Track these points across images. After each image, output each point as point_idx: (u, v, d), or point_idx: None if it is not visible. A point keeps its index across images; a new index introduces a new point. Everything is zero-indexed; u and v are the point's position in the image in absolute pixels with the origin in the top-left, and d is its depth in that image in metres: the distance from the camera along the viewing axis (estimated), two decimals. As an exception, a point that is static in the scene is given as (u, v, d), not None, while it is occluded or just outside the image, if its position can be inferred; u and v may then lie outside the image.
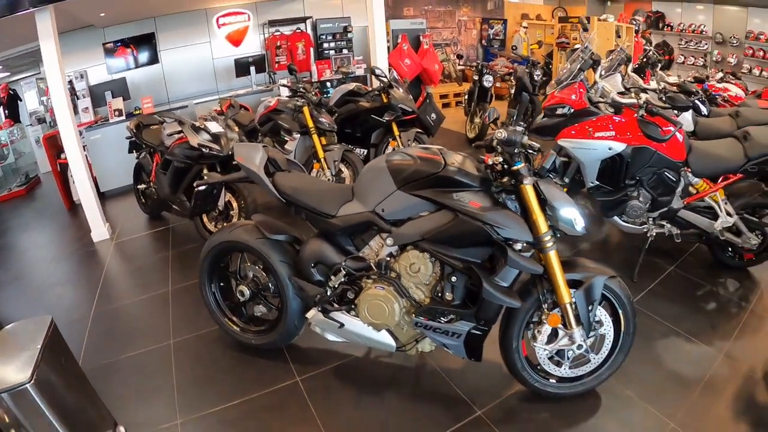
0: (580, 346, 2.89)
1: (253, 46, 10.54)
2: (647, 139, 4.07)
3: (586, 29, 5.43)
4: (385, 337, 3.14)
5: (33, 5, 5.42)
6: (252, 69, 9.87)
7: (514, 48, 12.28)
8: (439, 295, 2.96)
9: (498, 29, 14.27)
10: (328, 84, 10.01)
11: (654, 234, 4.39)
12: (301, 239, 3.46)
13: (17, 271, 5.85)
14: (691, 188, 4.32)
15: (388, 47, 9.33)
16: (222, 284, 3.81)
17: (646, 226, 4.41)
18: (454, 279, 2.88)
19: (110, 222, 6.59)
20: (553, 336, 2.92)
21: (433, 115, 7.20)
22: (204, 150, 4.99)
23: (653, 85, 5.65)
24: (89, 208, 6.25)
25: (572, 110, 4.39)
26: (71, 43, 8.43)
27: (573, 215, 2.70)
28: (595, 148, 4.15)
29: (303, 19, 10.75)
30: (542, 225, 2.66)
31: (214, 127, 5.14)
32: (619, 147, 4.09)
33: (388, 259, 3.04)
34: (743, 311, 3.99)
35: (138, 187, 6.66)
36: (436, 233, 2.77)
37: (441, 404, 3.17)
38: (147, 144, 5.99)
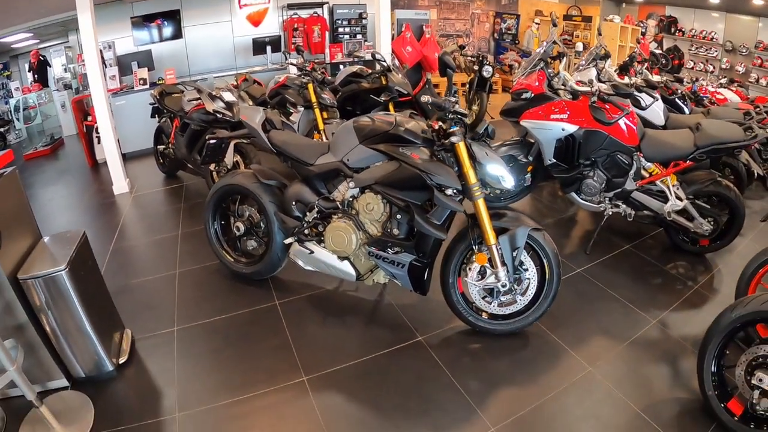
0: (504, 285, 3.48)
1: (271, 27, 11.21)
2: (596, 123, 4.62)
3: (555, 25, 6.02)
4: (346, 266, 3.87)
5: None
6: (268, 48, 10.64)
7: (516, 42, 12.77)
8: (388, 230, 3.67)
9: (510, 24, 14.67)
10: (340, 66, 10.49)
11: (610, 212, 4.90)
12: (287, 185, 4.20)
13: (44, 215, 6.64)
14: (643, 172, 4.82)
15: (393, 34, 9.96)
16: (222, 223, 4.60)
17: (602, 204, 4.90)
18: (399, 217, 3.60)
19: (130, 179, 7.41)
20: (483, 275, 3.52)
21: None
22: (218, 115, 5.78)
23: (627, 80, 6.10)
24: (113, 163, 7.11)
25: (532, 95, 4.98)
26: (101, 16, 9.08)
27: (500, 173, 3.34)
28: (550, 129, 4.76)
29: (320, 4, 11.41)
30: (471, 177, 3.27)
31: (228, 96, 5.92)
32: (571, 128, 4.69)
33: (351, 199, 3.81)
34: (687, 289, 4.38)
35: (158, 147, 7.52)
36: (386, 178, 3.49)
37: (389, 329, 3.87)
38: (168, 109, 6.84)
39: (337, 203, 3.88)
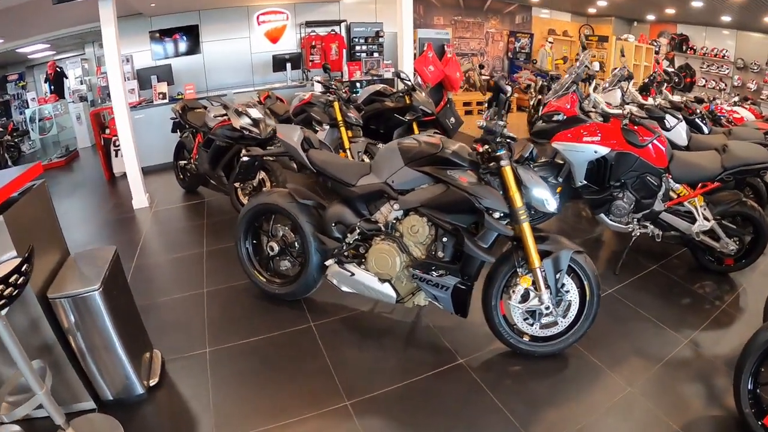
0: (547, 307, 3.43)
1: (289, 44, 11.26)
2: (629, 145, 4.61)
3: (584, 48, 6.04)
4: (387, 289, 3.80)
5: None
6: (288, 65, 10.58)
7: (534, 62, 12.79)
8: (433, 253, 3.63)
9: (524, 43, 14.85)
10: (357, 84, 10.65)
11: (638, 233, 4.85)
12: (324, 205, 4.14)
13: (63, 228, 6.47)
14: (672, 193, 4.78)
15: (414, 54, 9.97)
16: (254, 242, 4.51)
17: (630, 225, 4.86)
18: (445, 239, 3.56)
19: (149, 194, 7.32)
20: (526, 297, 3.48)
21: (452, 119, 7.84)
22: (245, 132, 5.72)
23: (650, 101, 6.17)
24: (133, 177, 7.02)
25: (564, 117, 4.95)
26: (121, 28, 9.14)
27: (544, 196, 3.34)
28: (582, 151, 4.72)
29: (338, 22, 11.44)
30: (517, 200, 3.27)
31: (255, 113, 5.86)
32: (603, 150, 4.65)
33: (394, 221, 3.76)
34: (715, 309, 4.36)
35: (178, 162, 7.44)
36: (433, 201, 3.46)
37: (429, 351, 3.78)
38: (191, 125, 6.75)
39: (380, 225, 3.82)
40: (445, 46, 11.91)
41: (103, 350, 3.10)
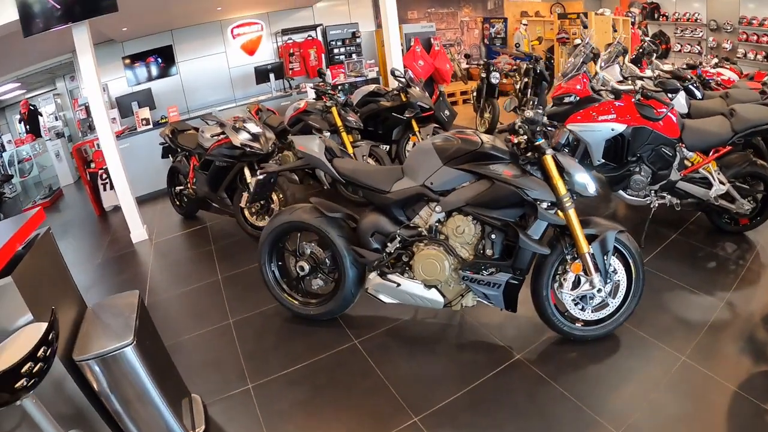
0: (599, 290, 3.40)
1: (266, 54, 10.99)
2: (644, 119, 4.57)
3: (586, 26, 5.95)
4: (434, 295, 3.62)
5: (70, 20, 5.70)
6: (271, 76, 10.22)
7: (517, 45, 12.62)
8: (481, 251, 3.49)
9: (499, 28, 14.64)
10: (338, 87, 10.26)
11: (656, 205, 4.86)
12: (354, 216, 3.87)
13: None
14: (686, 161, 4.80)
15: (402, 50, 9.71)
16: (280, 263, 4.18)
17: (648, 198, 4.87)
18: (493, 236, 3.43)
19: (147, 225, 6.90)
20: (576, 283, 3.43)
21: (447, 112, 7.58)
22: (246, 148, 5.36)
23: (648, 73, 6.06)
24: (128, 210, 6.60)
25: (577, 98, 4.89)
26: (95, 58, 8.86)
27: (586, 180, 3.24)
28: (599, 130, 4.64)
29: (314, 27, 11.18)
30: (561, 188, 3.19)
31: (254, 127, 5.51)
32: (620, 127, 4.59)
33: (437, 224, 3.56)
34: (741, 268, 4.40)
35: (173, 190, 7.05)
36: (478, 198, 3.34)
37: (484, 352, 3.61)
38: (183, 148, 6.35)
39: (421, 230, 3.61)
40: (432, 39, 11.69)
41: (142, 406, 2.72)
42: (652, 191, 4.86)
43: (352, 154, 6.27)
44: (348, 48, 11.52)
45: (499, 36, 14.71)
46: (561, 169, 3.22)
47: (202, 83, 10.36)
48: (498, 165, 3.32)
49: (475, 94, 10.33)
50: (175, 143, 6.46)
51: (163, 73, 9.97)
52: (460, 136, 3.48)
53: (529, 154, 3.24)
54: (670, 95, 4.78)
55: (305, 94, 9.65)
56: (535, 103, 3.36)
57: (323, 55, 11.16)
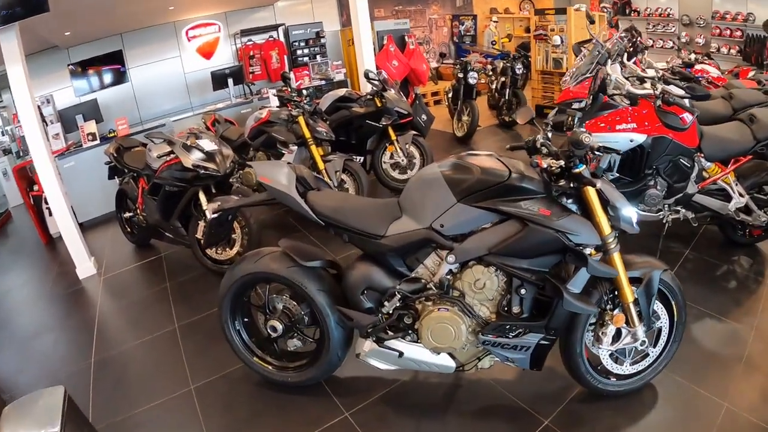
0: (642, 342, 2.86)
1: (224, 57, 10.17)
2: (666, 129, 4.04)
3: (592, 21, 5.36)
4: (444, 360, 2.94)
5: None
6: (230, 81, 9.39)
7: (493, 43, 12.10)
8: (505, 308, 2.80)
9: (468, 25, 14.11)
10: (303, 92, 9.53)
11: (670, 220, 4.41)
12: (336, 263, 3.13)
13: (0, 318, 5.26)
14: (704, 173, 4.37)
15: (374, 49, 8.99)
16: (246, 320, 3.41)
17: (662, 213, 4.37)
18: (523, 291, 2.73)
19: (95, 255, 6.01)
20: (616, 336, 2.87)
21: (424, 116, 6.96)
22: (199, 171, 4.54)
23: (651, 72, 5.35)
24: (72, 242, 5.67)
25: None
26: (35, 67, 7.78)
27: (632, 214, 2.64)
28: (616, 141, 4.01)
29: (275, 27, 10.41)
30: (606, 227, 2.59)
31: (207, 144, 4.68)
32: (640, 138, 4.02)
33: (449, 277, 2.81)
34: (762, 285, 4.10)
35: (123, 215, 6.13)
36: (505, 245, 2.61)
37: (505, 418, 3.03)
38: (130, 168, 5.49)
39: (428, 283, 2.85)
40: (407, 37, 10.88)
41: None
42: (666, 205, 4.36)
43: (323, 170, 5.50)
44: (312, 49, 10.78)
45: (468, 34, 14.15)
46: (605, 202, 2.59)
47: (156, 91, 9.44)
48: (530, 201, 2.61)
49: (450, 95, 9.70)
50: (121, 163, 5.59)
51: (114, 81, 9.03)
52: (479, 162, 2.74)
53: (562, 182, 2.58)
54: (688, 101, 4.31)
55: (267, 100, 8.86)
56: (575, 121, 2.53)
57: (286, 57, 10.38)
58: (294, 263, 2.99)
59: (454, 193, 2.68)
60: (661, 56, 11.41)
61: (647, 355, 3.04)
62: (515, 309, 2.77)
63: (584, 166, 2.52)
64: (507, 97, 9.64)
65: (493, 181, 2.62)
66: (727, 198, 4.36)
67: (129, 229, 6.18)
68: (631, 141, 4.02)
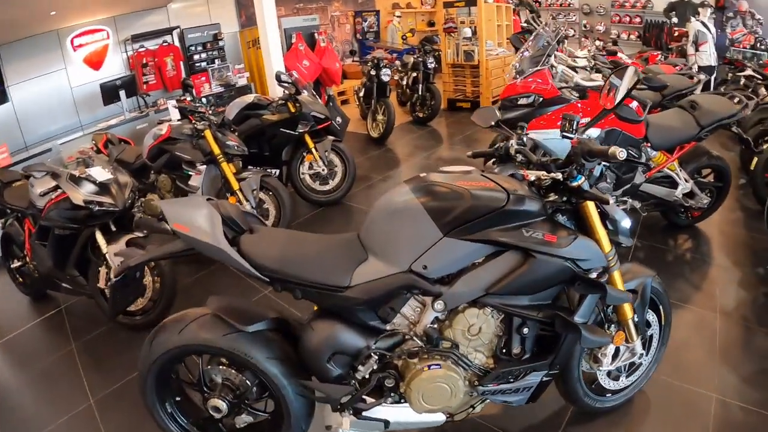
0: (640, 355, 2.75)
1: (115, 67, 9.15)
2: (621, 122, 4.03)
3: (533, 11, 5.19)
4: (436, 416, 2.44)
5: None
6: (122, 93, 8.36)
7: (404, 38, 11.70)
8: (503, 350, 2.36)
9: (371, 21, 13.88)
10: (203, 101, 8.72)
11: None
12: (285, 319, 2.44)
13: None
14: (650, 162, 4.43)
15: (281, 49, 8.34)
16: (178, 399, 2.67)
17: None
18: (525, 331, 2.29)
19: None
20: (616, 355, 2.72)
21: (339, 119, 6.32)
22: (92, 207, 3.72)
23: (581, 62, 5.63)
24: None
25: (541, 99, 4.26)
26: None
27: (629, 225, 2.33)
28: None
29: (169, 31, 9.51)
30: (606, 244, 2.32)
31: (100, 173, 3.87)
32: (594, 133, 3.95)
33: (435, 326, 2.30)
34: (712, 266, 4.32)
35: (11, 265, 4.97)
36: (506, 283, 2.15)
37: None
38: (12, 208, 4.49)
39: (410, 335, 2.32)
40: (317, 34, 10.17)
41: None
42: (614, 197, 4.33)
43: (238, 191, 4.78)
44: (210, 53, 9.94)
45: (372, 30, 13.89)
46: (603, 216, 2.31)
47: (40, 110, 8.26)
48: (531, 226, 2.17)
49: (361, 94, 9.21)
50: (0, 202, 4.62)
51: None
52: (467, 184, 2.21)
53: (551, 196, 2.25)
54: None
55: (165, 113, 7.97)
56: (573, 124, 2.02)
57: (182, 64, 9.51)
58: (231, 329, 2.29)
59: (440, 225, 2.15)
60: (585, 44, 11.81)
61: (641, 364, 2.89)
62: (515, 350, 2.33)
63: (582, 177, 2.16)
64: (420, 93, 9.26)
65: (489, 207, 2.13)
66: (673, 185, 4.41)
67: (21, 280, 5.01)
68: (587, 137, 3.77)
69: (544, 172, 2.26)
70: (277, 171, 5.99)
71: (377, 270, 2.19)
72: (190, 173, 4.91)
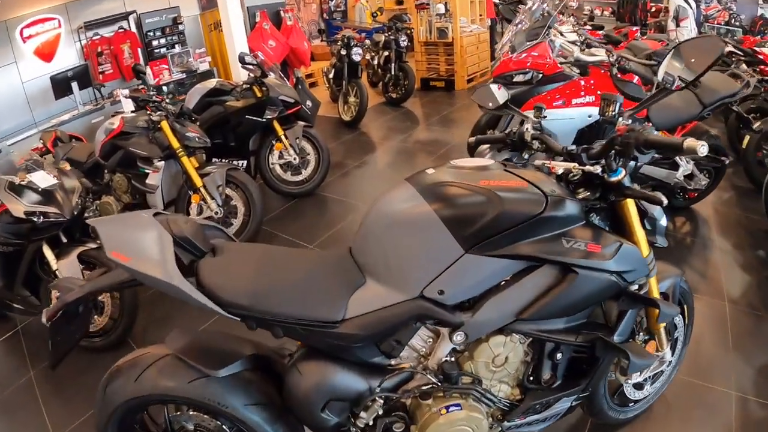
0: (670, 362, 2.55)
1: (68, 57, 8.45)
2: (627, 100, 3.57)
3: None
4: None
5: None
6: (74, 85, 7.71)
7: (375, 15, 11.27)
8: (529, 378, 1.99)
9: (338, 0, 13.48)
10: (164, 89, 8.30)
11: None
12: (264, 356, 1.95)
13: None
14: None
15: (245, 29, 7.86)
16: None
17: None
18: (559, 356, 1.93)
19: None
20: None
21: (309, 102, 5.87)
22: (35, 219, 3.23)
23: (571, 37, 5.23)
24: None
25: (541, 75, 3.96)
26: None
27: (666, 224, 2.08)
28: (572, 117, 3.81)
29: (125, 16, 8.84)
30: (645, 247, 1.94)
31: (42, 179, 3.38)
32: (595, 111, 3.53)
33: (451, 359, 1.87)
34: (714, 250, 4.17)
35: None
36: (543, 306, 1.74)
37: None
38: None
39: (420, 371, 1.85)
40: (282, 12, 9.63)
41: None
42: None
43: (201, 188, 4.31)
44: (169, 38, 9.31)
45: (339, 9, 13.52)
46: (642, 215, 1.97)
47: (-10, 108, 7.68)
48: (572, 233, 1.77)
49: (331, 75, 8.74)
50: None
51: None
52: (493, 184, 1.75)
53: (583, 192, 1.86)
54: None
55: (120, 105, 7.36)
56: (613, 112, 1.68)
57: (140, 51, 8.89)
58: (197, 373, 1.82)
59: (460, 239, 1.69)
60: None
61: (664, 371, 2.69)
62: (545, 376, 1.97)
63: (623, 171, 1.80)
64: (393, 73, 8.84)
65: (524, 214, 1.70)
66: (674, 166, 4.28)
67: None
68: (590, 116, 3.72)
69: (575, 164, 1.85)
70: (245, 162, 5.54)
71: (379, 297, 1.74)
72: (146, 171, 4.40)
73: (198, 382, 1.81)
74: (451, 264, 1.69)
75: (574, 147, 1.94)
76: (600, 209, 1.92)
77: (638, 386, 2.59)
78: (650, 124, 3.73)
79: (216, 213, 4.36)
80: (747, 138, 4.85)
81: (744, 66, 6.45)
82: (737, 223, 4.67)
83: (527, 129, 2.05)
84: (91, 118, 7.25)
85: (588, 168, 1.81)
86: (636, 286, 1.91)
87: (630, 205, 1.90)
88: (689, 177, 4.45)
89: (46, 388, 3.42)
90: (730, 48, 7.07)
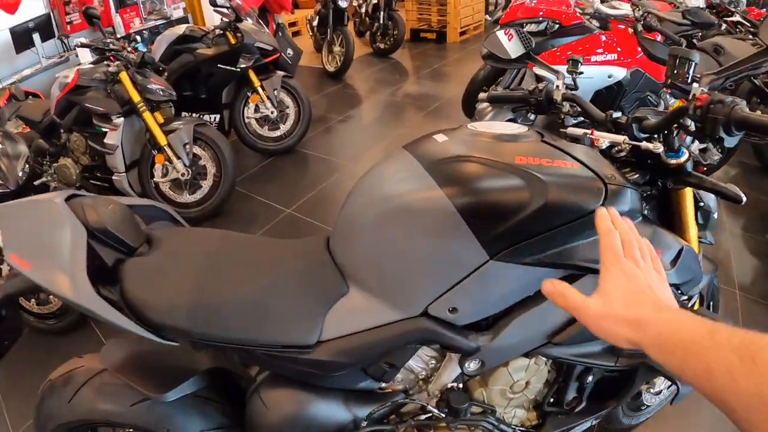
0: None
1: (34, 7, 7.73)
2: (651, 61, 3.52)
3: None
4: None
5: None
6: (36, 37, 7.13)
7: None
8: (550, 400, 1.61)
9: None
10: (138, 37, 7.67)
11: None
12: (222, 370, 1.51)
13: None
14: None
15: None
16: None
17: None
18: (590, 379, 1.57)
19: None
20: None
21: (290, 51, 5.45)
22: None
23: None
24: None
25: (559, 26, 3.62)
26: None
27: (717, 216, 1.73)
28: (590, 77, 3.35)
29: (92, -39, 8.12)
30: (696, 245, 1.58)
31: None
32: (620, 73, 3.46)
33: (458, 385, 1.44)
34: (721, 232, 3.93)
35: None
36: (581, 327, 1.12)
37: None
38: None
39: (418, 398, 1.45)
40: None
41: None
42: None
43: (165, 146, 3.84)
44: (142, -18, 8.70)
45: None
46: (698, 205, 1.60)
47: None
48: None
49: (315, 23, 8.19)
50: None
51: None
52: (531, 160, 1.24)
53: (630, 173, 1.47)
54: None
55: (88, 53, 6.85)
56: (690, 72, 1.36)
57: (110, -1, 8.28)
58: (140, 395, 1.41)
59: (485, 242, 1.20)
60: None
61: None
62: (570, 396, 1.60)
63: (686, 152, 1.43)
64: (381, 22, 8.34)
65: (578, 209, 1.20)
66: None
67: None
68: (610, 77, 3.40)
69: (625, 137, 1.43)
70: (218, 117, 5.06)
71: (367, 314, 1.30)
72: (104, 129, 3.90)
73: (142, 406, 1.43)
74: (470, 273, 1.22)
75: (619, 114, 1.54)
76: (652, 198, 1.52)
77: (657, 392, 2.34)
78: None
79: (183, 174, 3.90)
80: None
81: (750, 37, 6.16)
82: (746, 203, 4.28)
83: (557, 87, 1.65)
84: (55, 72, 6.69)
85: (645, 144, 1.40)
86: (695, 300, 1.63)
87: (688, 194, 1.52)
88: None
89: (2, 382, 3.04)
90: (738, 18, 6.75)
